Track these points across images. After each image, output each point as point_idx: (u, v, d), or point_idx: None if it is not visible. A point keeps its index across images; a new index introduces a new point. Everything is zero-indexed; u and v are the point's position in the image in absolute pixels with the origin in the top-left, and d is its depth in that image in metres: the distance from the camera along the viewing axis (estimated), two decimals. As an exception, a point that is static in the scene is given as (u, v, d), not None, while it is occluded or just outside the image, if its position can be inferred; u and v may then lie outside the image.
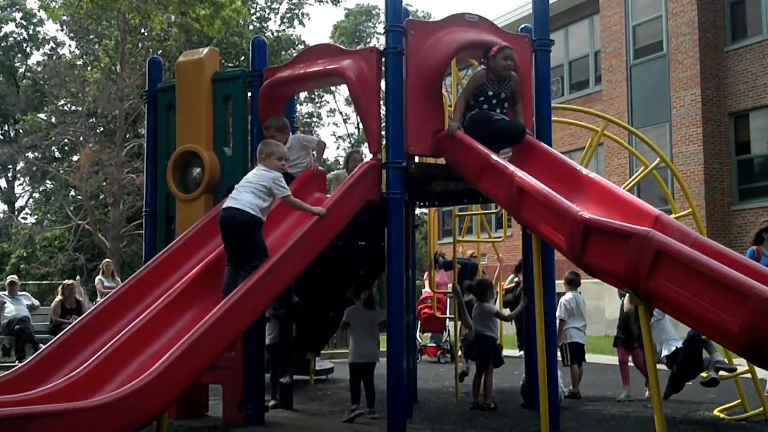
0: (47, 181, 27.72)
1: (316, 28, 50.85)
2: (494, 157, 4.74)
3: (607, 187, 4.54)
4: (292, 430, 5.38)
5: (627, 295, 6.50)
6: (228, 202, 4.48)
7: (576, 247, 3.89)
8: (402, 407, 4.95)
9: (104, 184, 20.86)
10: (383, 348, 5.13)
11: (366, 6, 33.90)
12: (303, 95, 28.81)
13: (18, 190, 31.58)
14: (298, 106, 28.02)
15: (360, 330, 5.70)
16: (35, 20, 29.29)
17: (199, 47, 8.00)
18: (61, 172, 23.09)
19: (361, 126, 26.97)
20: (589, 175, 4.70)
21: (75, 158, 23.13)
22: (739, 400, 5.81)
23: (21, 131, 27.23)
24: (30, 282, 20.24)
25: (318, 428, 5.43)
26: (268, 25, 27.66)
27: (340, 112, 37.93)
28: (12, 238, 25.33)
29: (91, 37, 21.95)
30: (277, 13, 28.06)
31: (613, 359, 10.17)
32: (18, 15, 29.44)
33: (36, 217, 28.20)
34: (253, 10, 25.80)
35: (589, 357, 9.28)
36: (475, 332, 6.25)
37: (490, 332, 6.26)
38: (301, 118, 30.14)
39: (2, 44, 29.89)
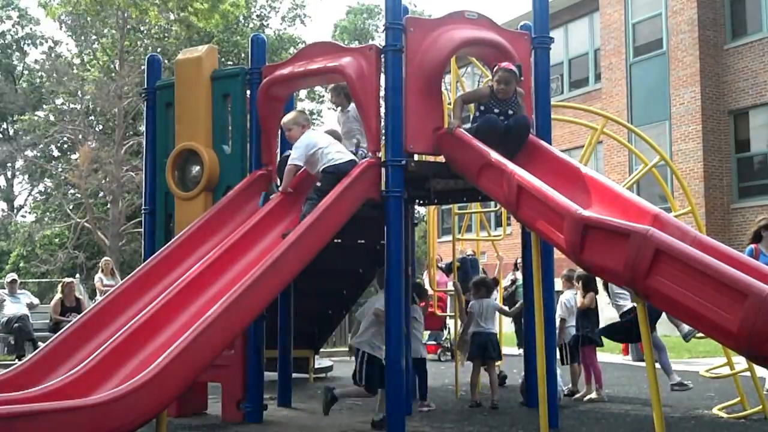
0: (46, 179, 27.70)
1: (318, 28, 50.87)
2: (493, 155, 4.73)
3: (606, 185, 4.54)
4: (292, 428, 5.38)
5: (580, 291, 6.56)
6: (347, 156, 5.11)
7: (575, 245, 3.89)
8: (401, 405, 4.95)
9: (103, 182, 20.85)
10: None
11: (367, 5, 33.83)
12: (303, 93, 28.78)
13: (17, 188, 31.59)
14: (298, 103, 28.01)
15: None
16: (33, 18, 29.26)
17: (199, 45, 7.99)
18: (61, 170, 23.09)
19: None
20: (588, 173, 4.70)
21: (74, 156, 23.13)
22: (739, 399, 5.81)
23: (21, 130, 27.21)
24: (30, 280, 20.26)
25: (317, 427, 5.44)
26: (269, 24, 27.62)
27: None
28: (11, 236, 25.33)
29: (92, 35, 21.90)
30: (278, 12, 28.03)
31: (613, 357, 10.19)
32: (14, 13, 29.41)
33: (35, 215, 28.19)
34: (253, 9, 25.76)
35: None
36: (479, 329, 6.28)
37: (494, 328, 6.36)
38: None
39: (0, 42, 29.86)
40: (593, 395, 6.49)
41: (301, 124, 5.27)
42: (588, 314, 6.63)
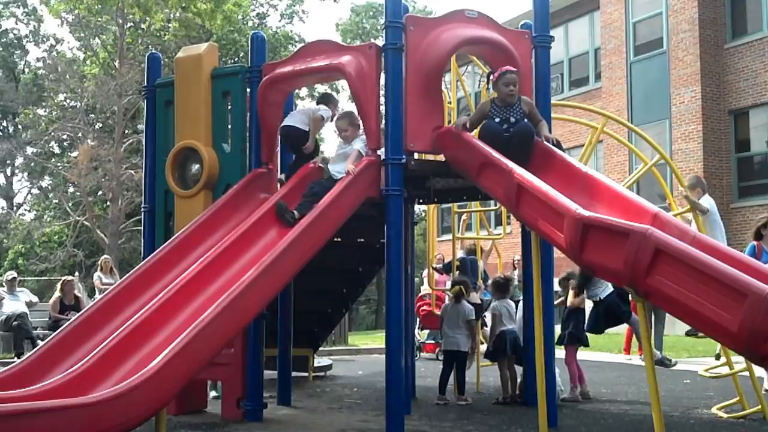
0: (46, 177, 27.70)
1: (316, 25, 50.85)
2: (494, 154, 4.73)
3: (606, 184, 4.53)
4: (291, 427, 5.38)
5: (572, 290, 6.61)
6: None
7: (575, 245, 3.89)
8: (400, 404, 4.95)
9: (103, 180, 20.84)
10: (382, 345, 5.14)
11: (371, 4, 33.80)
12: (305, 92, 28.77)
13: (17, 185, 31.60)
14: (299, 101, 28.03)
15: (449, 322, 6.43)
16: (36, 16, 29.23)
17: (199, 43, 7.99)
18: (60, 168, 23.08)
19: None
20: (588, 172, 4.69)
21: (74, 154, 23.15)
22: (738, 398, 5.80)
23: (20, 127, 27.19)
24: (29, 278, 20.26)
25: (317, 425, 5.44)
26: (267, 22, 27.62)
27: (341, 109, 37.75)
28: (10, 233, 25.33)
29: (92, 28, 21.85)
30: (276, 10, 28.06)
31: (613, 357, 10.19)
32: (19, 11, 29.39)
33: (35, 212, 28.18)
34: (252, 6, 25.77)
35: (587, 354, 9.31)
36: (505, 327, 6.36)
37: (514, 326, 6.43)
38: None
39: (2, 40, 29.85)
40: (567, 395, 6.46)
41: (356, 124, 5.42)
42: (577, 313, 6.64)
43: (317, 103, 5.98)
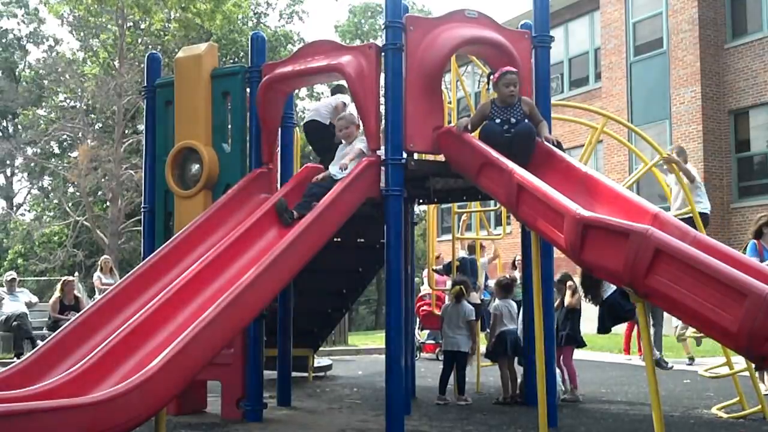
0: (46, 177, 27.71)
1: (315, 24, 50.85)
2: (494, 154, 4.73)
3: (606, 184, 4.53)
4: (291, 427, 5.38)
5: (569, 290, 6.60)
6: None
7: (575, 245, 3.88)
8: (400, 404, 4.94)
9: (103, 180, 20.85)
10: (382, 345, 5.14)
11: (368, 4, 33.80)
12: (304, 92, 28.77)
13: (17, 185, 31.61)
14: (299, 101, 28.06)
15: (450, 322, 6.43)
16: (38, 16, 29.24)
17: (198, 43, 8.00)
18: (60, 168, 23.08)
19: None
20: (588, 173, 4.69)
21: (74, 154, 23.16)
22: (738, 398, 5.80)
23: (20, 127, 27.21)
24: (28, 278, 20.27)
25: (316, 425, 5.44)
26: (266, 21, 27.63)
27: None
28: (10, 234, 25.34)
29: (92, 28, 21.85)
30: (275, 9, 28.08)
31: (613, 357, 10.19)
32: (20, 12, 29.40)
33: (35, 213, 28.18)
34: (251, 6, 25.78)
35: (587, 354, 9.31)
36: (506, 327, 6.36)
37: (515, 327, 6.43)
38: (302, 114, 30.10)
39: (2, 40, 29.86)
40: (567, 396, 6.45)
41: (356, 124, 5.45)
42: (573, 314, 6.64)
43: (332, 94, 6.27)
